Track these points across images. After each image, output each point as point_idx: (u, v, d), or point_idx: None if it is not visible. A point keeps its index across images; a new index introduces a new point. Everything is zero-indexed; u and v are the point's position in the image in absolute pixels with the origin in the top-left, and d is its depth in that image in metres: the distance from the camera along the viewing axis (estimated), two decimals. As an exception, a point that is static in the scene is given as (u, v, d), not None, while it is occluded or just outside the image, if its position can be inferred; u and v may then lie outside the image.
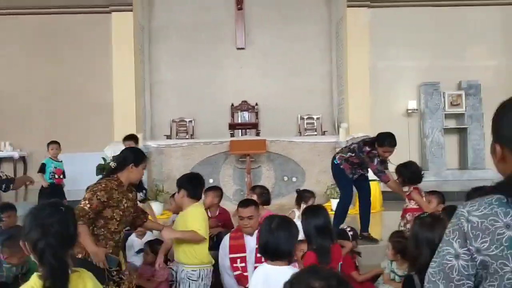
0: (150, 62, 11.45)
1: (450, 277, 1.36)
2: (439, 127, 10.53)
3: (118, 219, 3.36)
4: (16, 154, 10.23)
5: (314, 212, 3.36)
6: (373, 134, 8.87)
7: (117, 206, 3.37)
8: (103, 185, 3.34)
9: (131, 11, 10.43)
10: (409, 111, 10.74)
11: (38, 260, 1.81)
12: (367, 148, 5.33)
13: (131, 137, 6.66)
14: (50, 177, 7.12)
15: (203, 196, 5.18)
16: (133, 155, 3.58)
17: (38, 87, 10.60)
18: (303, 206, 4.67)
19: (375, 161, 5.26)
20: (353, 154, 5.51)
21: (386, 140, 5.22)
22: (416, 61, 10.77)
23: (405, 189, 4.87)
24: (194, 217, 3.66)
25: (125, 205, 3.43)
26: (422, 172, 5.00)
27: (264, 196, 4.81)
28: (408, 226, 4.28)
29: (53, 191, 6.91)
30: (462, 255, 1.34)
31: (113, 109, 10.33)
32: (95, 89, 10.58)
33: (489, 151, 1.53)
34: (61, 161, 7.35)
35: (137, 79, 10.53)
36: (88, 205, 3.24)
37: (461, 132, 10.81)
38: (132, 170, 3.48)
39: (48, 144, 7.37)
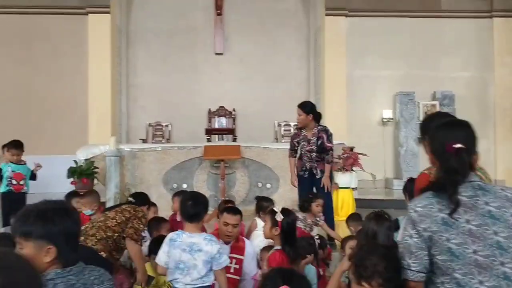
0: (127, 65, 11.36)
1: (410, 251, 1.96)
2: (414, 136, 10.64)
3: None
4: (-13, 156, 10.00)
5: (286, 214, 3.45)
6: (349, 141, 9.02)
7: None
8: (140, 224, 3.79)
9: (109, 13, 10.33)
10: (384, 120, 10.84)
11: None
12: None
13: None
14: (7, 183, 6.42)
15: (173, 203, 5.14)
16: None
17: (11, 88, 10.35)
18: (262, 215, 4.62)
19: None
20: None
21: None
22: (392, 70, 10.89)
23: None
24: None
25: None
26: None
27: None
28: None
29: (11, 200, 6.26)
30: (414, 235, 1.95)
31: (87, 112, 10.20)
32: (69, 91, 10.39)
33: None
34: (24, 164, 6.64)
35: (113, 81, 10.43)
36: (142, 225, 3.79)
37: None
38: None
39: (6, 144, 6.62)
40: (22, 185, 6.52)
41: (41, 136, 10.08)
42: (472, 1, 10.86)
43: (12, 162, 6.52)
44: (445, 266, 1.89)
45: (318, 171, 5.78)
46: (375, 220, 2.94)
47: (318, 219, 5.04)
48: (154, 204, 4.91)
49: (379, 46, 10.89)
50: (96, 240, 3.52)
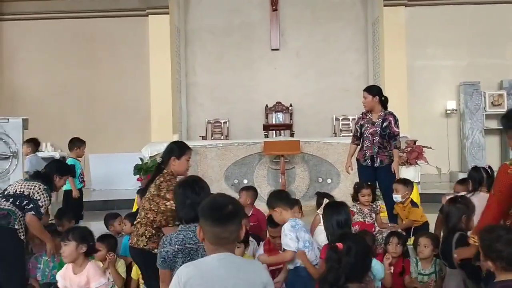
0: (186, 64, 11.60)
1: None
2: (480, 128, 10.22)
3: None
4: (57, 155, 10.50)
5: (335, 208, 3.46)
6: (411, 134, 8.78)
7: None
8: (173, 181, 3.49)
9: (168, 14, 10.60)
10: (448, 112, 10.47)
11: None
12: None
13: (30, 141, 6.62)
14: (80, 180, 6.55)
15: (239, 197, 5.20)
16: (174, 148, 3.71)
17: (75, 90, 10.84)
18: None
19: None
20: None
21: None
22: (455, 60, 10.50)
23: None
24: None
25: None
26: None
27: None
28: None
29: (80, 196, 6.47)
30: None
31: (150, 111, 10.52)
32: (132, 91, 10.77)
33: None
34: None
35: (173, 81, 10.69)
36: (174, 205, 3.21)
37: (503, 133, 10.45)
38: (175, 163, 3.62)
39: (76, 141, 6.66)
40: (85, 181, 6.78)
41: (105, 135, 10.49)
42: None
43: (77, 159, 6.60)
44: None
45: (378, 160, 5.48)
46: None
47: (374, 206, 4.90)
48: None
49: (440, 35, 10.52)
50: (146, 240, 3.50)
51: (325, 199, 4.50)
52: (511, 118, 2.83)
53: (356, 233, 3.84)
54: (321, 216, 4.79)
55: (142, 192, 4.71)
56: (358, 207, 4.86)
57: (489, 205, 2.93)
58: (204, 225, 2.18)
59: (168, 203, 3.44)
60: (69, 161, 6.48)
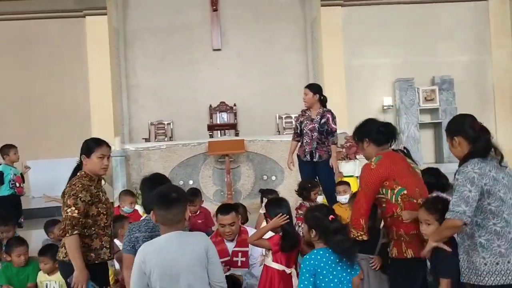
0: (126, 66, 11.39)
1: (467, 202, 2.69)
2: (415, 122, 10.72)
3: (104, 212, 3.33)
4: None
5: (277, 203, 3.58)
6: (349, 131, 9.06)
7: (99, 201, 3.32)
8: (80, 185, 3.23)
9: (105, 14, 10.41)
10: (385, 107, 10.91)
11: None
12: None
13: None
14: (11, 186, 6.45)
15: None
16: (83, 146, 3.41)
17: (12, 93, 10.42)
18: None
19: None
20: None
21: None
22: (390, 58, 10.94)
23: None
24: None
25: (104, 197, 3.40)
26: None
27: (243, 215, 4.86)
28: None
29: (13, 203, 6.36)
30: (473, 190, 2.70)
31: (90, 114, 10.27)
32: (71, 94, 10.46)
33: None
34: (15, 167, 6.65)
35: (113, 82, 10.50)
36: (76, 211, 3.13)
37: (436, 126, 11.02)
38: (86, 162, 3.35)
39: (4, 148, 6.60)
40: (22, 187, 6.61)
41: (44, 140, 10.14)
42: (468, -14, 10.93)
43: (8, 165, 6.51)
44: (498, 210, 2.73)
45: (317, 155, 5.68)
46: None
47: (318, 202, 5.11)
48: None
49: (376, 34, 10.93)
50: (65, 251, 3.25)
51: (264, 198, 4.61)
52: (359, 129, 3.41)
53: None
54: (263, 214, 4.92)
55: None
56: (308, 204, 4.98)
57: (357, 200, 3.28)
58: (155, 209, 2.72)
59: (69, 210, 3.15)
60: (1, 167, 6.40)
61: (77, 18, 10.44)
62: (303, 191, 5.08)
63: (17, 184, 6.54)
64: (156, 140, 10.76)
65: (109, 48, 10.40)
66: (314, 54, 11.36)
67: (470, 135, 2.86)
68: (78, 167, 3.42)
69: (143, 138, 10.87)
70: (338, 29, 10.76)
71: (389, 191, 3.14)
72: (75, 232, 3.10)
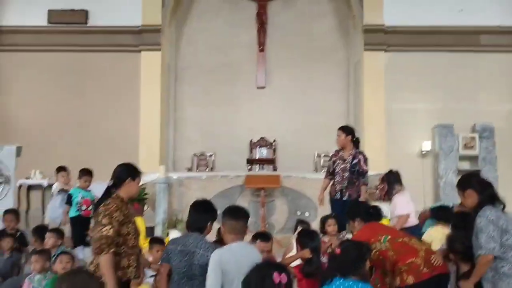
0: (175, 99, 12.02)
1: (495, 240, 3.43)
2: (453, 168, 10.68)
3: (132, 233, 3.53)
4: (45, 182, 10.69)
5: (309, 235, 3.91)
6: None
7: (129, 221, 3.53)
8: (114, 206, 3.42)
9: (159, 50, 11.05)
10: (423, 152, 10.95)
11: None
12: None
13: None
14: (77, 208, 6.98)
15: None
16: (129, 170, 3.74)
17: (67, 120, 10.97)
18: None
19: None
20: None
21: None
22: (430, 103, 11.03)
23: None
24: None
25: (132, 219, 3.62)
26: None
27: None
28: None
29: (78, 224, 6.86)
30: (496, 230, 3.43)
31: (138, 144, 10.81)
32: (121, 124, 10.97)
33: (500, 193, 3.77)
34: (90, 191, 7.20)
35: (162, 115, 11.07)
36: (112, 230, 3.29)
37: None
38: (130, 184, 3.65)
39: (80, 172, 7.26)
40: (90, 210, 6.94)
41: (95, 167, 10.68)
42: (510, 37, 10.99)
43: (81, 188, 7.11)
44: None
45: (347, 195, 5.94)
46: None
47: (341, 236, 5.29)
48: None
49: (417, 80, 11.07)
50: (94, 268, 3.43)
51: (298, 226, 4.88)
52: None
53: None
54: (294, 242, 5.18)
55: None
56: (327, 239, 5.21)
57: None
58: (226, 220, 3.41)
59: (104, 229, 3.30)
60: (72, 190, 7.12)
61: (133, 53, 11.08)
62: (321, 226, 5.34)
63: (83, 207, 7.03)
64: (197, 170, 11.19)
65: (161, 82, 11.01)
66: (355, 95, 11.63)
67: (478, 188, 3.58)
68: (109, 189, 3.66)
69: (186, 168, 11.34)
70: (380, 72, 11.00)
71: (377, 243, 3.89)
72: (111, 250, 3.27)
